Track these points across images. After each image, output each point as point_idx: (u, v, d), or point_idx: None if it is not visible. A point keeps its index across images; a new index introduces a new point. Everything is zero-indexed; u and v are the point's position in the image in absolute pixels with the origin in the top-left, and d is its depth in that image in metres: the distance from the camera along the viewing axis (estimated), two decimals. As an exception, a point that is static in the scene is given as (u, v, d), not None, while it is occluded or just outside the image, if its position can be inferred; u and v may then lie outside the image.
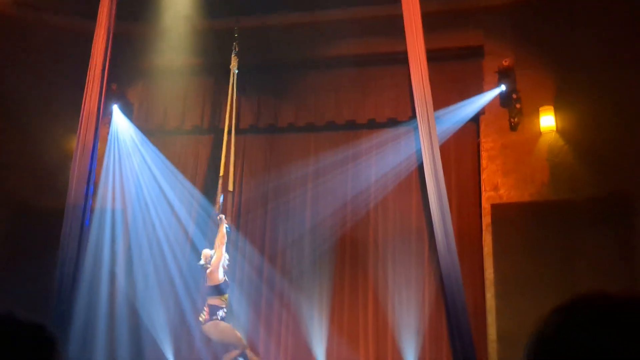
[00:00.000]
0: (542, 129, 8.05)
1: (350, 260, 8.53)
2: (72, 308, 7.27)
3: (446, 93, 8.26)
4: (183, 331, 8.53)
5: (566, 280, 7.17)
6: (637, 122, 7.58)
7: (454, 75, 8.55)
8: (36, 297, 6.90)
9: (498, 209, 8.00)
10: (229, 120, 8.05)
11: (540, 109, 8.09)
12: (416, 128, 7.72)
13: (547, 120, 8.04)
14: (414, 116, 7.92)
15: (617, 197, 7.50)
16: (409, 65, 7.63)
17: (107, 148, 9.12)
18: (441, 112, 7.99)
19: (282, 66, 9.25)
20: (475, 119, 8.41)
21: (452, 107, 8.25)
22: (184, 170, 9.02)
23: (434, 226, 7.30)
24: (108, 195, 8.97)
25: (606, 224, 7.37)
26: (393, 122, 8.72)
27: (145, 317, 8.55)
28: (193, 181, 9.02)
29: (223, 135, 8.22)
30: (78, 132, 7.71)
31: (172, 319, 8.54)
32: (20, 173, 8.55)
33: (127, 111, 9.36)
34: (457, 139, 8.34)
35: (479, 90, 8.42)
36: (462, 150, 8.41)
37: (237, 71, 8.22)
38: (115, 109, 9.16)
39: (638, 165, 7.49)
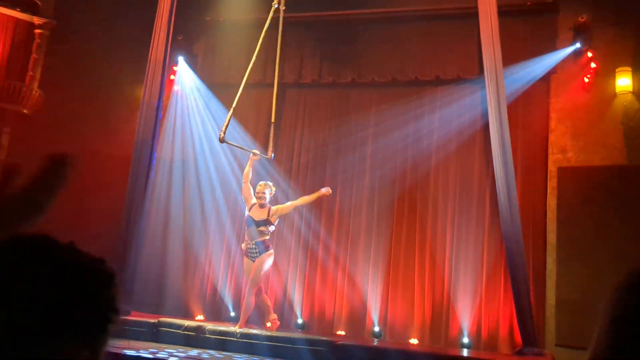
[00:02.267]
0: (617, 91, 7.67)
1: (408, 219, 8.48)
2: (134, 247, 7.68)
3: (516, 50, 7.95)
4: (229, 269, 8.85)
5: (631, 250, 6.90)
6: None
7: (525, 32, 8.22)
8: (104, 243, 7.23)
9: (565, 173, 7.74)
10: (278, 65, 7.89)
11: (617, 69, 7.70)
12: (483, 86, 7.52)
13: (624, 82, 7.65)
14: (481, 73, 7.70)
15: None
16: (478, 21, 7.39)
17: (172, 99, 9.30)
18: (510, 69, 7.71)
19: (346, 21, 9.11)
20: (546, 78, 8.09)
21: (522, 65, 7.93)
22: (245, 123, 9.10)
23: (497, 187, 7.15)
24: (171, 144, 9.21)
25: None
26: (459, 80, 8.49)
27: (196, 257, 8.95)
28: (254, 134, 9.11)
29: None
30: (144, 81, 7.88)
31: (220, 260, 8.90)
32: (93, 123, 8.83)
33: (192, 63, 9.48)
34: (526, 98, 8.05)
35: (552, 48, 8.07)
36: (530, 110, 8.13)
37: (281, 7, 7.76)
38: (181, 60, 9.29)
39: None
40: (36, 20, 8.78)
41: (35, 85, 8.63)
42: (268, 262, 7.20)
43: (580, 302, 6.95)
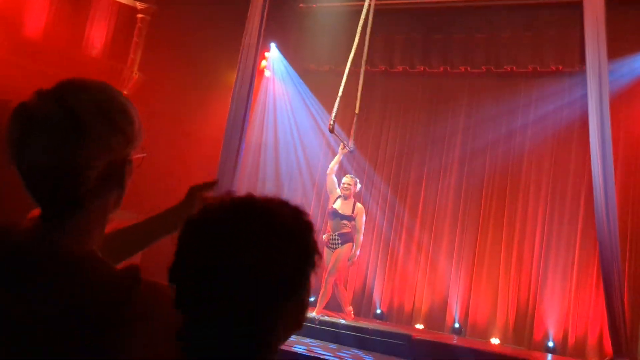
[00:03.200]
0: None
1: (496, 215, 8.22)
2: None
3: (623, 43, 7.47)
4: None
5: None
6: None
7: (635, 23, 7.70)
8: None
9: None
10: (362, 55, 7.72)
11: None
12: (583, 80, 7.12)
13: None
14: (582, 67, 7.30)
15: None
16: (581, 10, 6.99)
17: (263, 84, 9.45)
18: (616, 63, 7.26)
19: (439, 9, 8.89)
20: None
21: (629, 59, 7.45)
22: (329, 112, 9.11)
23: (594, 187, 6.76)
24: (261, 128, 9.39)
25: None
26: (557, 73, 8.10)
27: None
28: (340, 124, 9.10)
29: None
30: (237, 67, 8.04)
31: None
32: (188, 106, 9.11)
33: (284, 49, 9.58)
34: (630, 93, 7.57)
35: (662, 41, 7.53)
36: (634, 106, 7.64)
37: None
38: (273, 46, 9.41)
39: None
40: (139, 5, 9.15)
41: (135, 67, 9.01)
42: (348, 253, 7.21)
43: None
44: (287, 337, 0.97)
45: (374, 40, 7.99)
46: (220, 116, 8.36)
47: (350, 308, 7.47)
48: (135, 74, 8.98)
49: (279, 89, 9.63)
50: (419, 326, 8.10)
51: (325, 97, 9.18)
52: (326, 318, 6.94)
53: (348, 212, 7.26)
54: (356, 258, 7.35)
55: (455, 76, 8.80)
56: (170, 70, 9.12)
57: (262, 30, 8.08)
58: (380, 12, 8.05)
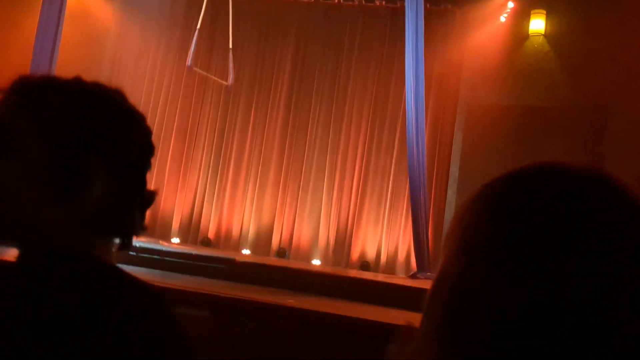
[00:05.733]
0: (530, 32, 7.87)
1: (320, 141, 8.53)
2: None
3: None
4: None
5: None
6: (631, 37, 7.40)
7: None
8: None
9: (473, 110, 7.97)
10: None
11: (532, 11, 7.86)
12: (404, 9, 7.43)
13: (537, 24, 7.83)
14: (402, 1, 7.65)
15: (591, 108, 7.49)
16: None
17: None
18: None
19: None
20: (465, 14, 8.15)
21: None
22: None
23: (407, 117, 7.25)
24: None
25: (578, 134, 7.41)
26: (381, 7, 8.44)
27: None
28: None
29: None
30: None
31: None
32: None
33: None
34: (445, 32, 8.13)
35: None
36: (447, 45, 8.21)
37: None
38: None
39: (618, 80, 7.41)
40: None
41: None
42: None
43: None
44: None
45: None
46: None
47: None
48: None
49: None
50: (246, 251, 8.31)
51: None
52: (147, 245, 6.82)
53: None
54: None
55: (285, 5, 8.79)
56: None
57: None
58: None
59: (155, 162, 8.37)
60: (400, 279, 7.38)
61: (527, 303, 0.53)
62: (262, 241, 8.43)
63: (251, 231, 8.49)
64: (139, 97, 8.77)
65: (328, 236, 8.27)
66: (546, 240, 0.55)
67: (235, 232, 8.55)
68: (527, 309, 0.53)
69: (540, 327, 0.53)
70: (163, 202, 8.50)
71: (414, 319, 0.66)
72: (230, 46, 7.52)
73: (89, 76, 1.00)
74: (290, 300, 5.07)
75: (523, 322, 0.54)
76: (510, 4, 7.95)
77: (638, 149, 6.97)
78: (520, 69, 7.87)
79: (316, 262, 8.11)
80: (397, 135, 8.23)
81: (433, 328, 0.60)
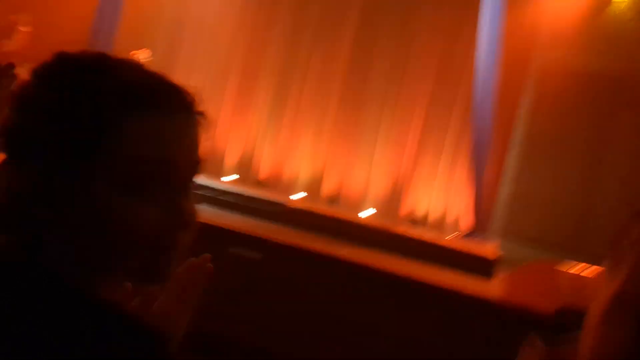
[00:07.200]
0: (615, -4, 7.43)
1: (383, 91, 8.34)
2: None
3: None
4: None
5: (594, 157, 7.14)
6: None
7: None
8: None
9: (545, 73, 7.65)
10: None
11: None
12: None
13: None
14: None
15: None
16: None
17: None
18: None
19: None
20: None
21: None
22: None
23: (476, 73, 7.02)
24: None
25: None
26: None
27: None
28: None
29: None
30: None
31: None
32: None
33: None
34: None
35: None
36: (525, 2, 7.80)
37: None
38: None
39: None
40: None
41: None
42: None
43: (537, 197, 7.27)
44: None
45: None
46: None
47: None
48: None
49: None
50: (298, 195, 8.29)
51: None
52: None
53: None
54: None
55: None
56: None
57: None
58: None
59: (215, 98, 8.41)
60: (454, 240, 7.24)
61: None
62: (314, 187, 8.42)
63: (304, 176, 8.48)
64: (203, 30, 8.75)
65: (382, 189, 8.18)
66: None
67: (288, 175, 8.56)
68: None
69: None
70: (218, 139, 8.52)
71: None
72: None
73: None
74: (344, 251, 5.08)
75: None
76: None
77: None
78: (600, 34, 7.46)
79: (367, 212, 8.03)
80: (461, 92, 7.96)
81: None
